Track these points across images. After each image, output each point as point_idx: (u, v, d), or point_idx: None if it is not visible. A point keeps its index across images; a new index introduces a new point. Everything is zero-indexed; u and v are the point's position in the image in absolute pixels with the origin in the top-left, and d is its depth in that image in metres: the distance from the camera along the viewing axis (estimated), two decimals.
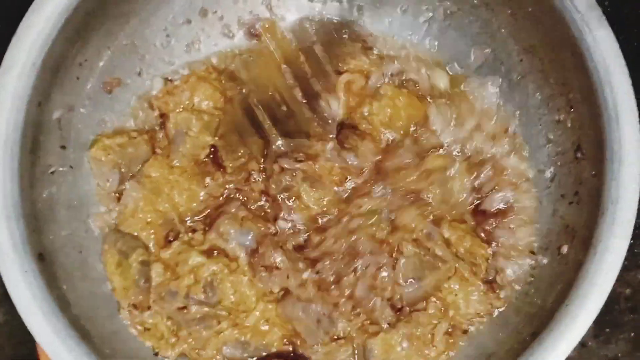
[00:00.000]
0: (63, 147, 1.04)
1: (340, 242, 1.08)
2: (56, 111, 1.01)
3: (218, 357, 1.08)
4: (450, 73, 1.18)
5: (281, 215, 1.11)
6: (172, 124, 1.13)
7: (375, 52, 1.19)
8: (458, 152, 1.14)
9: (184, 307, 1.07)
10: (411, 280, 1.07)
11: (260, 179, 1.12)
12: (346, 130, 1.15)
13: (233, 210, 1.10)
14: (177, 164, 1.12)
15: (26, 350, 1.24)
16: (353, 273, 1.06)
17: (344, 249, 1.07)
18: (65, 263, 1.00)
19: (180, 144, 1.13)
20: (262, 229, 1.09)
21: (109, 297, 1.08)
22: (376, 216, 1.09)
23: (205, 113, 1.13)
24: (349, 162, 1.11)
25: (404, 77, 1.17)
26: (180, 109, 1.14)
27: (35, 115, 0.96)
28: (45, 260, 0.95)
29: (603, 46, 0.95)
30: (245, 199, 1.12)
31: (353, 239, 1.08)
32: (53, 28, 0.95)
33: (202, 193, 1.12)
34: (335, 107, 1.15)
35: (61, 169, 1.04)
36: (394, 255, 1.08)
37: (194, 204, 1.12)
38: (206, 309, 1.07)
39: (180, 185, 1.12)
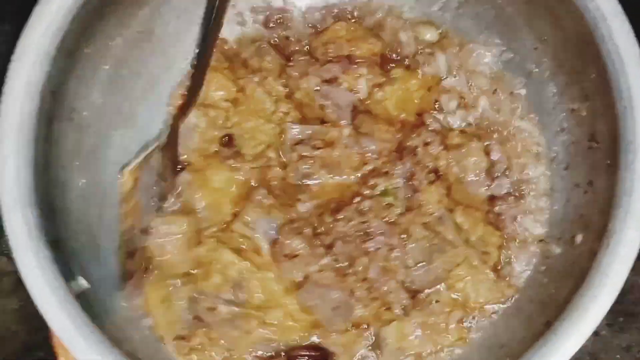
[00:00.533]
0: (77, 136, 1.04)
1: (351, 224, 1.08)
2: (70, 100, 1.02)
3: (249, 358, 1.08)
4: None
5: (299, 200, 1.11)
6: (181, 120, 1.14)
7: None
8: (473, 125, 1.15)
9: (214, 308, 1.07)
10: (421, 263, 1.07)
11: (278, 167, 1.12)
12: (361, 115, 1.15)
13: (259, 197, 1.10)
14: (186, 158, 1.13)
15: (40, 336, 1.24)
16: (365, 255, 1.07)
17: (356, 231, 1.07)
18: (80, 251, 1.01)
19: (189, 139, 1.13)
20: (287, 216, 1.10)
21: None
22: (391, 197, 1.09)
23: (211, 108, 1.14)
24: (365, 147, 1.11)
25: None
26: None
27: (49, 104, 0.96)
28: (59, 248, 0.95)
29: (618, 36, 0.94)
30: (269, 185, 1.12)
31: (364, 220, 1.08)
32: (66, 16, 0.95)
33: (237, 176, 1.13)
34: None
35: (75, 157, 1.04)
36: (404, 237, 1.08)
37: (232, 188, 1.12)
38: (235, 308, 1.07)
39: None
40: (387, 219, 1.09)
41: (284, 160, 1.13)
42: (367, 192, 1.10)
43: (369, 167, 1.12)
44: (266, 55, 1.16)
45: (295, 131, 1.13)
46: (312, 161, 1.11)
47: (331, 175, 1.12)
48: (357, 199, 1.09)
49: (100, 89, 1.08)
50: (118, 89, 1.11)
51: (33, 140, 0.93)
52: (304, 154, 1.11)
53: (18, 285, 1.24)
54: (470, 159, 1.11)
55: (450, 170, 1.12)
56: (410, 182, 1.10)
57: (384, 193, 1.09)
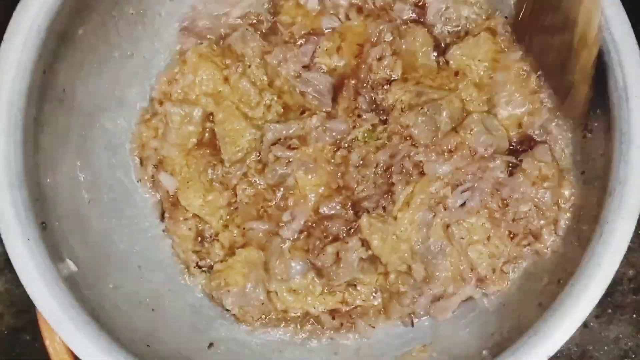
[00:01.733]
0: (67, 117, 1.03)
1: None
2: (61, 80, 1.01)
3: None
4: None
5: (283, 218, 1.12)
6: (163, 113, 1.14)
7: None
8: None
9: None
10: None
11: (259, 181, 1.12)
12: (338, 91, 1.13)
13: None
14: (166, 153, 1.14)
15: (26, 318, 1.24)
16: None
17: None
18: (69, 234, 1.00)
19: (168, 133, 1.13)
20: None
21: None
22: (373, 138, 1.10)
23: (187, 103, 1.13)
24: (335, 132, 1.11)
25: None
26: (173, 98, 1.15)
27: (40, 84, 0.95)
28: (48, 230, 0.95)
29: (614, 25, 0.93)
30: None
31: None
32: None
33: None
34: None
35: (64, 139, 1.03)
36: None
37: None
38: None
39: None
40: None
41: (260, 169, 1.12)
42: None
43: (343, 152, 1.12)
44: (250, 42, 1.15)
45: (273, 131, 1.11)
46: (288, 162, 1.11)
47: (309, 175, 1.11)
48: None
49: (91, 71, 1.07)
50: (109, 71, 1.10)
51: (23, 121, 0.93)
52: (279, 154, 1.10)
53: (4, 268, 1.24)
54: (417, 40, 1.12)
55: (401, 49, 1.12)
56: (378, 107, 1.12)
57: (368, 137, 1.10)
